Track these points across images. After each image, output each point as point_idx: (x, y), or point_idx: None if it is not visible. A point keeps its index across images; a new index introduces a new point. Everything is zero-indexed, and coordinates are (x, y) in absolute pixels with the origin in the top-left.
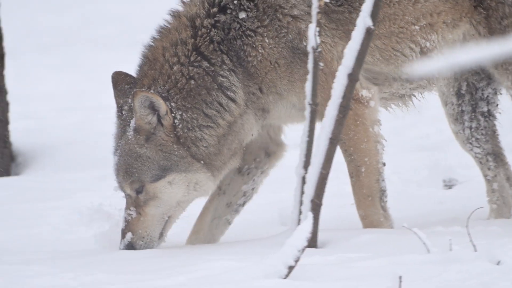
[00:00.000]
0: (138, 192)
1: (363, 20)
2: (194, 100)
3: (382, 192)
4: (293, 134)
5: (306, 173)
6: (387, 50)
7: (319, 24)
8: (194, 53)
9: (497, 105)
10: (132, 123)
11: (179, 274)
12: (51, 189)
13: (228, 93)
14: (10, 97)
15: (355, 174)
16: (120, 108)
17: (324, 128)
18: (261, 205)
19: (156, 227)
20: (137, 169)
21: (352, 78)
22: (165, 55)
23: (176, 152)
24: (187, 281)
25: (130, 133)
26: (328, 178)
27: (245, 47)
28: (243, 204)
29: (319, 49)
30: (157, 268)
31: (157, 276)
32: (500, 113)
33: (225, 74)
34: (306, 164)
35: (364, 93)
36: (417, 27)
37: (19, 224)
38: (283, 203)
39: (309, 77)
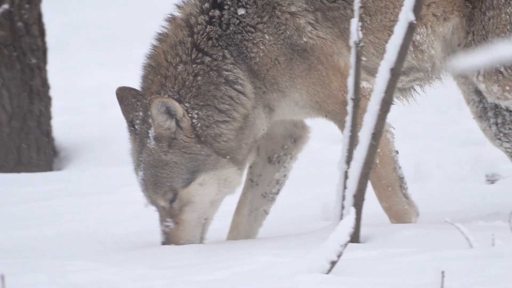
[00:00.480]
0: (172, 201)
1: (405, 14)
2: (205, 97)
3: (401, 179)
4: (330, 130)
5: (348, 168)
6: (381, 44)
7: (361, 18)
8: (194, 50)
9: None
10: (151, 133)
11: (222, 269)
12: (94, 183)
13: (236, 86)
14: (54, 92)
15: None
16: (131, 123)
17: (366, 123)
18: (304, 200)
19: (196, 233)
20: (167, 177)
21: (395, 72)
22: (167, 58)
23: (201, 152)
24: (230, 276)
25: (151, 143)
26: (371, 173)
27: (246, 43)
28: (278, 192)
29: (362, 44)
30: (200, 263)
31: (200, 271)
32: None
33: (228, 68)
34: (349, 159)
35: (365, 84)
36: None
37: (62, 219)
38: (326, 198)
39: (351, 72)
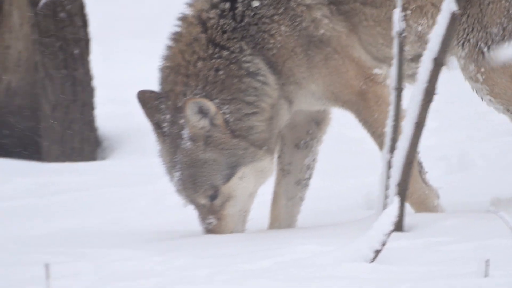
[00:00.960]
0: (213, 198)
1: (448, 4)
2: (231, 91)
3: (420, 165)
4: None
5: (392, 157)
6: (388, 34)
7: (404, 9)
8: (210, 45)
9: None
10: (185, 133)
11: (265, 258)
12: (137, 173)
13: (259, 77)
14: (98, 82)
15: None
16: (157, 125)
17: (409, 113)
18: (346, 190)
19: (239, 226)
20: (207, 175)
21: (438, 62)
22: (185, 57)
23: (238, 146)
24: (273, 265)
25: (187, 144)
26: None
27: (263, 34)
28: (310, 177)
29: (404, 34)
30: (243, 252)
31: (243, 260)
32: None
33: (248, 59)
34: (392, 149)
35: (377, 71)
36: (409, 11)
37: (106, 208)
38: (368, 188)
39: (394, 61)
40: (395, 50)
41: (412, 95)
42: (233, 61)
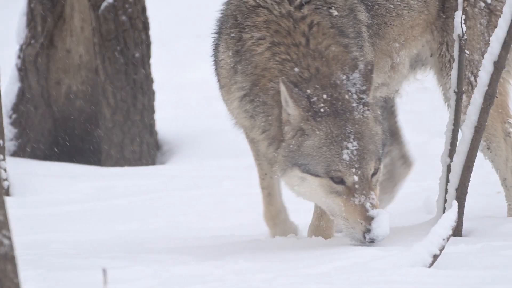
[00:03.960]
0: (374, 173)
1: (510, 8)
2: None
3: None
4: (433, 123)
5: (451, 161)
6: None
7: (464, 11)
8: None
9: None
10: (358, 103)
11: (325, 262)
12: (196, 177)
13: None
14: (157, 86)
15: None
16: (307, 109)
17: (469, 117)
18: (407, 194)
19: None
20: (376, 148)
21: (498, 66)
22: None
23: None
24: (332, 270)
25: (364, 113)
26: (473, 166)
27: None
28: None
29: (465, 37)
30: (302, 256)
31: (302, 264)
32: None
33: None
34: (452, 153)
35: None
36: (397, 44)
37: (166, 212)
38: (428, 192)
39: (455, 65)
40: (455, 53)
41: (472, 98)
42: None
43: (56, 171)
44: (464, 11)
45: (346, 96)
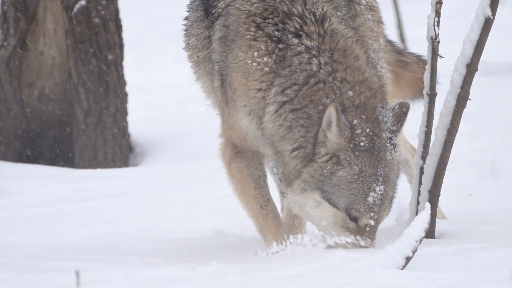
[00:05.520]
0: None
1: (483, 10)
2: None
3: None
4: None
5: (424, 163)
6: None
7: (437, 14)
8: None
9: None
10: (391, 144)
11: (298, 264)
12: (169, 179)
13: None
14: (132, 88)
15: None
16: (349, 140)
17: (442, 119)
18: None
19: None
20: (395, 192)
21: (471, 68)
22: (366, 69)
23: None
24: (306, 272)
25: (391, 157)
26: (446, 168)
27: None
28: None
29: (438, 40)
30: (276, 258)
31: (275, 266)
32: None
33: None
34: (424, 155)
35: None
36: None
37: (138, 215)
38: (400, 194)
39: (427, 67)
40: (428, 55)
41: (445, 100)
42: None
43: (28, 173)
44: (437, 14)
45: (383, 135)
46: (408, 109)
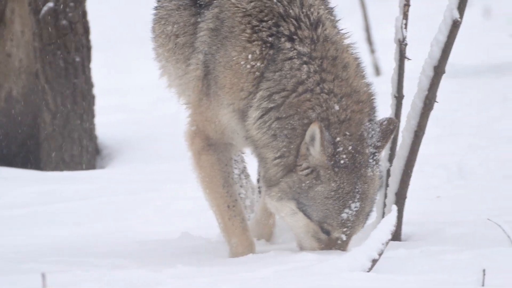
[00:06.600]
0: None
1: (450, 12)
2: None
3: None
4: None
5: (390, 166)
6: None
7: (405, 16)
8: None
9: None
10: (372, 160)
11: (266, 266)
12: (137, 181)
13: None
14: (101, 90)
15: None
16: (330, 158)
17: (409, 121)
18: None
19: None
20: (372, 208)
21: (438, 70)
22: (352, 84)
23: None
24: (273, 274)
25: (375, 171)
26: (413, 171)
27: None
28: None
29: (406, 42)
30: (244, 260)
31: (243, 268)
32: None
33: None
34: (391, 157)
35: None
36: None
37: (105, 217)
38: None
39: (395, 69)
40: (395, 57)
41: (412, 103)
42: None
43: None
44: (405, 16)
45: (367, 151)
46: (395, 126)
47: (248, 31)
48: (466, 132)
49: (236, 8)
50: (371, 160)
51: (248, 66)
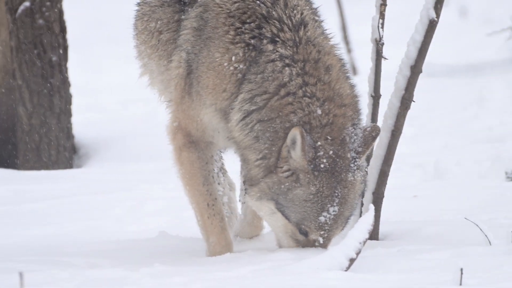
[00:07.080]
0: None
1: (427, 12)
2: None
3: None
4: None
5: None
6: None
7: (382, 16)
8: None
9: None
10: (354, 165)
11: (243, 265)
12: (113, 181)
13: None
14: (75, 89)
15: None
16: (310, 162)
17: (386, 121)
18: None
19: None
20: (352, 212)
21: (415, 70)
22: (335, 87)
23: None
24: (249, 273)
25: (356, 175)
26: (390, 170)
27: None
28: None
29: (382, 41)
30: (221, 260)
31: (220, 267)
32: None
33: None
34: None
35: None
36: None
37: (82, 216)
38: None
39: (372, 69)
40: (372, 57)
41: (389, 102)
42: None
43: None
44: (382, 15)
45: (348, 155)
46: (377, 134)
47: (232, 32)
48: (442, 132)
49: (220, 9)
50: (352, 165)
51: (231, 68)
